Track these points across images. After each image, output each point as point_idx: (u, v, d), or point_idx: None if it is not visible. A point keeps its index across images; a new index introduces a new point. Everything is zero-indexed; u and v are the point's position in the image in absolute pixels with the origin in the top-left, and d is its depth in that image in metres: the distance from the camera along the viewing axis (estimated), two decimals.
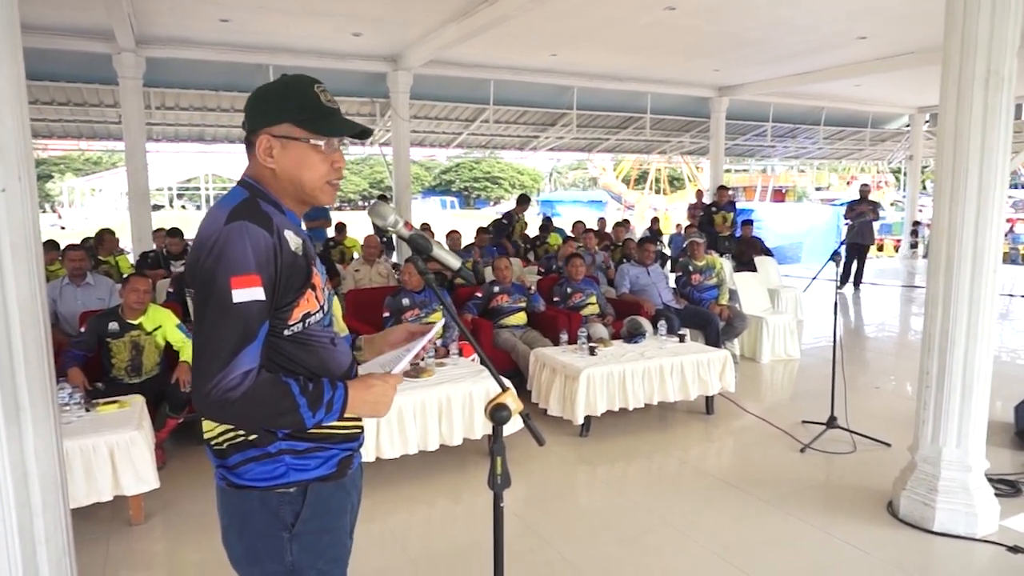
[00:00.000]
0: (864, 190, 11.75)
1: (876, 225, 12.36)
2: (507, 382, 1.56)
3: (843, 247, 5.04)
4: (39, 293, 2.01)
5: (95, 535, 3.36)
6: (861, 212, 10.94)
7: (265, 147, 1.40)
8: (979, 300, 3.11)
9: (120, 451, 3.31)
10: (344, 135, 1.46)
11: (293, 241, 1.38)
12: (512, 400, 1.51)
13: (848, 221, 11.15)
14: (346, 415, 1.41)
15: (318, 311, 1.45)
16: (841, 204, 26.83)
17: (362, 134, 1.48)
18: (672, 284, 6.89)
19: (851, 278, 11.21)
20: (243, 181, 1.46)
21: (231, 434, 1.41)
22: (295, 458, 1.42)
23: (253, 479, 1.41)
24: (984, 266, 3.08)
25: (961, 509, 3.20)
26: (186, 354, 4.33)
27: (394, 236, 1.67)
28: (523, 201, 10.90)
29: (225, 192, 1.47)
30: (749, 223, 10.32)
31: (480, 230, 9.36)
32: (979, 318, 3.12)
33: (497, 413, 1.50)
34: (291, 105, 1.41)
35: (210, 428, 1.44)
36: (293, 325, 1.39)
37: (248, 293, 1.28)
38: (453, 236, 8.59)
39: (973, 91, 3.01)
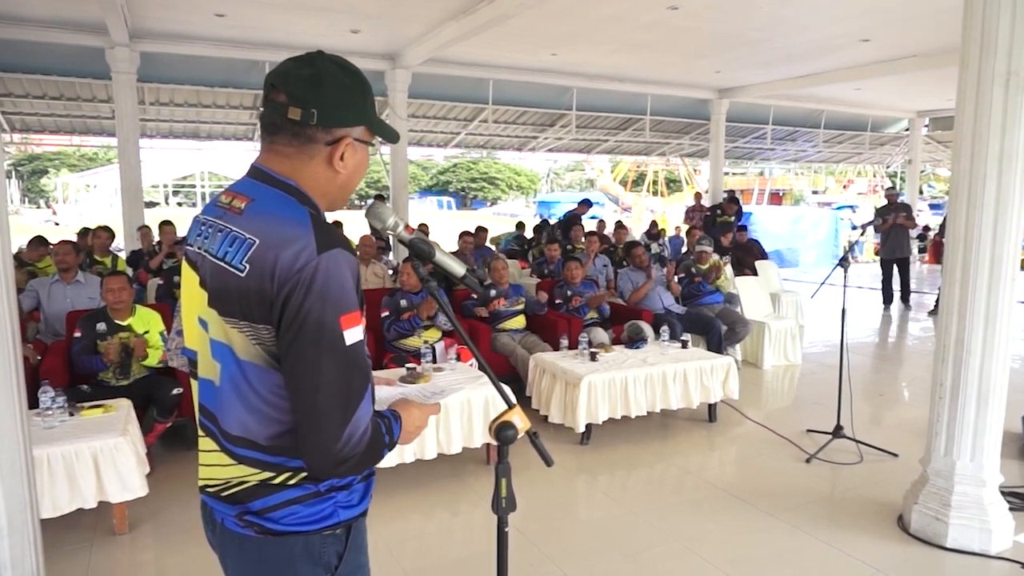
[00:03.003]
0: (891, 193, 10.40)
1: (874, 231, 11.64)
2: (513, 397, 1.45)
3: (851, 254, 4.88)
4: (7, 300, 1.87)
5: (76, 544, 3.24)
6: (894, 221, 9.56)
7: (342, 151, 1.23)
8: (996, 309, 3.00)
9: (104, 457, 3.18)
10: (395, 141, 1.36)
11: None
12: (519, 418, 1.40)
13: (874, 227, 10.05)
14: None
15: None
16: (840, 208, 26.83)
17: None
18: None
19: (896, 294, 10.02)
20: (282, 183, 1.22)
21: (258, 474, 1.21)
22: (345, 494, 1.27)
23: (298, 523, 1.22)
24: (1002, 274, 2.97)
25: (975, 525, 3.09)
26: (152, 359, 4.24)
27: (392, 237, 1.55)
28: (587, 204, 10.88)
29: (219, 190, 1.31)
30: (743, 228, 10.23)
31: (479, 229, 9.20)
32: (996, 328, 3.02)
33: (503, 432, 1.39)
34: (369, 106, 1.27)
35: (216, 475, 1.26)
36: None
37: (356, 333, 1.14)
38: (466, 239, 8.25)
39: (992, 93, 2.90)
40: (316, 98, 1.19)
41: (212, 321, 1.21)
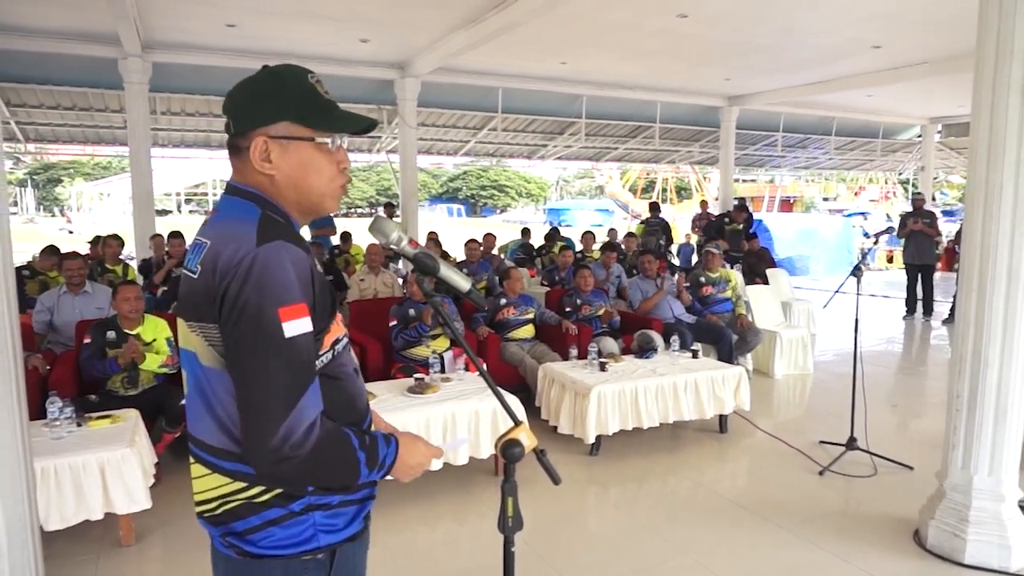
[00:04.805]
0: (918, 199, 10.02)
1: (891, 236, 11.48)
2: (521, 414, 1.42)
3: (864, 262, 4.81)
4: (7, 310, 1.84)
5: (83, 556, 3.22)
6: (912, 227, 9.30)
7: (261, 151, 1.20)
8: (1014, 320, 2.94)
9: (111, 469, 3.16)
10: (353, 130, 1.27)
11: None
12: (526, 435, 1.37)
13: (896, 232, 9.58)
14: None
15: (343, 335, 1.29)
16: (850, 215, 26.63)
17: (367, 128, 1.29)
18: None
19: (918, 304, 9.61)
20: (244, 191, 1.23)
21: (240, 494, 1.20)
22: (325, 516, 1.23)
23: (275, 546, 1.20)
24: (1020, 284, 2.91)
25: (994, 541, 3.02)
26: (152, 364, 4.20)
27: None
28: (657, 208, 11.12)
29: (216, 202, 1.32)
30: (754, 235, 10.16)
31: (487, 236, 9.09)
32: (1015, 338, 2.95)
33: (509, 450, 1.36)
34: (288, 100, 1.21)
35: (201, 487, 1.25)
36: (324, 355, 1.22)
37: (299, 325, 1.11)
38: (472, 247, 7.86)
39: (1009, 99, 2.84)
40: (231, 107, 1.23)
41: (181, 328, 1.24)
